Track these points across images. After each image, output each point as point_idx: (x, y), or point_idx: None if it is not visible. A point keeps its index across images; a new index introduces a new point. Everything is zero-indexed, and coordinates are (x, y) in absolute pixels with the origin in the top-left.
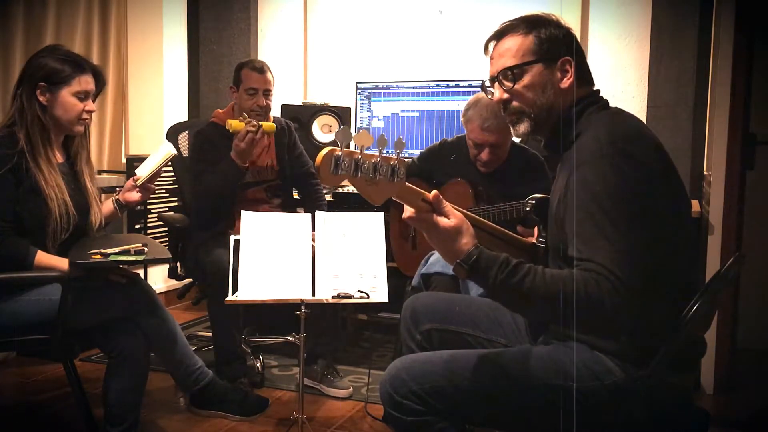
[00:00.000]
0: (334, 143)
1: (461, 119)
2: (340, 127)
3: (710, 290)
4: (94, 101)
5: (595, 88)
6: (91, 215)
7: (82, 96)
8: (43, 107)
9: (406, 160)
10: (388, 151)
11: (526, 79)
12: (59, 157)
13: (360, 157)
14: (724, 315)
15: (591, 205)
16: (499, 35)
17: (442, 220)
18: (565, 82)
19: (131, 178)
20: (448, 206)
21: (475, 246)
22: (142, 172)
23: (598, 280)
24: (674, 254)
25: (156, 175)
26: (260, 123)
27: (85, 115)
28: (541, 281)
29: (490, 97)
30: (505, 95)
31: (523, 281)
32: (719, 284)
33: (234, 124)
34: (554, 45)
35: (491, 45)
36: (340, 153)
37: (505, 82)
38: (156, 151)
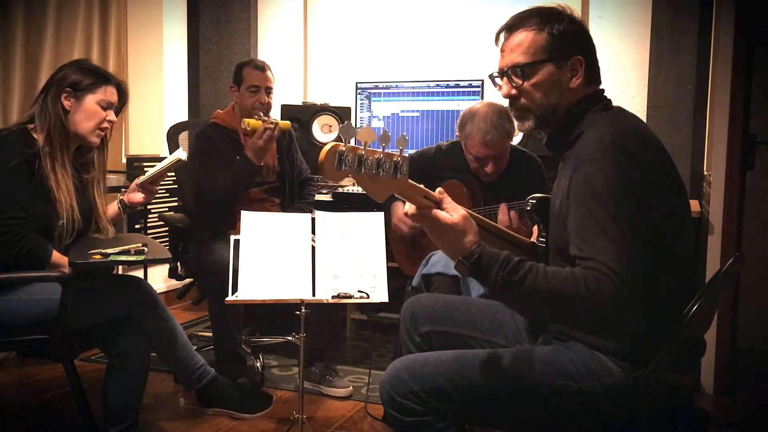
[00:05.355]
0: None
1: (457, 134)
2: (341, 125)
3: (710, 290)
4: (116, 115)
5: (600, 87)
6: (101, 229)
7: (105, 105)
8: (66, 111)
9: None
10: (403, 151)
11: (535, 78)
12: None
13: (363, 153)
14: (724, 315)
15: (592, 204)
16: (510, 27)
17: (446, 217)
18: (575, 82)
19: (135, 179)
20: (452, 203)
21: (478, 243)
22: (147, 174)
23: (598, 278)
24: (674, 254)
25: (160, 177)
26: (276, 121)
27: (104, 125)
28: (543, 279)
29: (498, 89)
30: (513, 91)
31: (524, 279)
32: (719, 284)
33: (252, 122)
34: (566, 43)
35: (502, 36)
36: (343, 149)
37: (515, 79)
38: (169, 155)
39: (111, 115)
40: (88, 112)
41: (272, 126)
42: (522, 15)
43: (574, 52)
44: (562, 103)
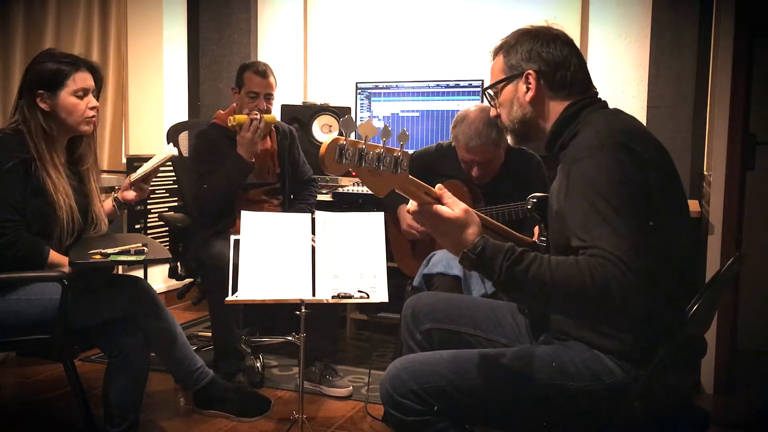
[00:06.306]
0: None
1: (450, 134)
2: (342, 119)
3: (710, 290)
4: (96, 98)
5: (593, 91)
6: (94, 219)
7: (81, 94)
8: (46, 114)
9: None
10: (404, 146)
11: (500, 98)
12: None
13: (364, 147)
14: (724, 315)
15: (593, 195)
16: (491, 56)
17: (447, 211)
18: (529, 95)
19: (128, 177)
20: (452, 198)
21: (481, 236)
22: (139, 171)
23: (603, 264)
24: (674, 252)
25: (152, 174)
26: (261, 113)
27: (89, 113)
28: (547, 268)
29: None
30: (494, 112)
31: (528, 269)
32: (719, 284)
33: (238, 117)
34: (521, 62)
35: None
36: (344, 142)
37: (491, 101)
38: (159, 152)
39: (92, 101)
40: (67, 107)
41: (257, 117)
42: (497, 44)
43: (525, 68)
44: (527, 116)
